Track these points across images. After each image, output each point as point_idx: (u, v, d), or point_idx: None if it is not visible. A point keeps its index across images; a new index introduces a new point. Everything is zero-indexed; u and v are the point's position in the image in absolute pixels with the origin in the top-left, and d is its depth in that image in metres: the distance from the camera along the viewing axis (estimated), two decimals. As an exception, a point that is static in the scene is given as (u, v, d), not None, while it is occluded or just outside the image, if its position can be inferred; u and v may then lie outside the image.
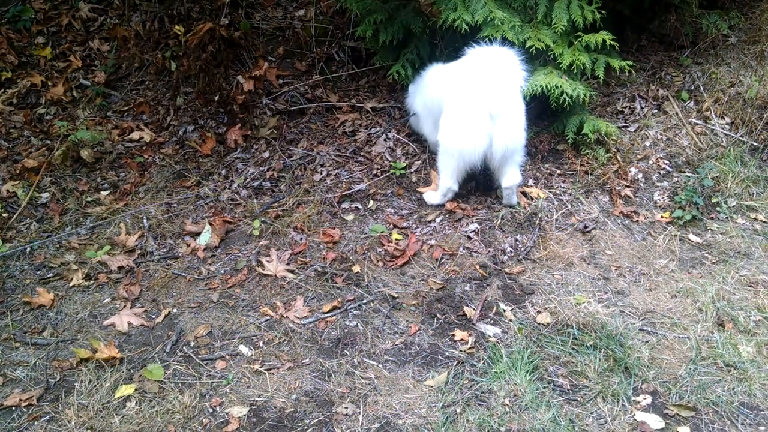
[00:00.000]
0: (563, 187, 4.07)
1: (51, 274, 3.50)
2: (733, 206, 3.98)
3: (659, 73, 4.90)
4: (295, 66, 4.92)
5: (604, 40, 3.91)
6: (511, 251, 3.64)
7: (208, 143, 4.39)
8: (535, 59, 4.08)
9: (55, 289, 3.40)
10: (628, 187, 4.14)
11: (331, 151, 4.38)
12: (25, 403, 2.75)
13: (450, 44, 4.31)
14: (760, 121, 4.46)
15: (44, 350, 3.04)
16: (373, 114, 4.69)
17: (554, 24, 3.96)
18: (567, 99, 3.90)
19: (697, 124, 4.58)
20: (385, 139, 4.47)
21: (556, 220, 3.85)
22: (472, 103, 3.54)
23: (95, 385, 2.82)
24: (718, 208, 3.94)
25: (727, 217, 3.89)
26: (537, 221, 3.83)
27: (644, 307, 3.23)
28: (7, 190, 3.98)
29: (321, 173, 4.22)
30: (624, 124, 4.60)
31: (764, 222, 3.87)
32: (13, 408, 2.73)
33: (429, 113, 4.01)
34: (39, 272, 3.53)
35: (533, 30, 4.03)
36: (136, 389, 2.80)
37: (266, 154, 4.35)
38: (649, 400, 2.72)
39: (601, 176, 4.18)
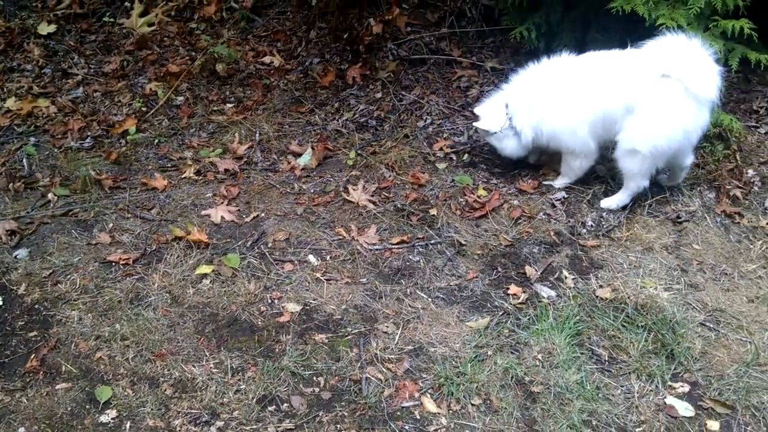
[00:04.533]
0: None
1: (169, 165, 3.98)
2: None
3: (812, 76, 4.50)
4: (426, 16, 5.05)
5: (742, 28, 3.67)
6: (591, 225, 3.61)
7: (329, 76, 4.67)
8: (666, 40, 3.91)
9: (169, 177, 3.86)
10: (739, 188, 3.90)
11: (441, 102, 4.50)
12: (123, 262, 3.21)
13: (579, 11, 4.25)
14: None
15: (149, 224, 3.50)
16: (491, 73, 4.73)
17: (690, 4, 3.76)
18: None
19: (840, 137, 4.18)
20: (496, 99, 4.51)
21: (650, 204, 3.73)
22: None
23: (181, 260, 3.23)
24: (835, 227, 3.62)
25: None
26: (630, 203, 3.74)
27: (714, 305, 3.10)
28: (150, 89, 4.52)
29: (425, 120, 4.37)
30: (755, 124, 4.30)
31: None
32: (113, 263, 3.21)
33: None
34: (161, 161, 4.02)
35: (669, 8, 3.86)
36: (213, 270, 3.17)
37: (379, 95, 4.56)
38: (686, 389, 2.67)
39: (712, 172, 3.97)
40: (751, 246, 3.51)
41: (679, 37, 3.31)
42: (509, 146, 3.78)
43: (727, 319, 3.02)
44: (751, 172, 4.01)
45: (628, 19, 3.86)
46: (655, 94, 3.35)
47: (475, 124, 3.83)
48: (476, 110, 3.83)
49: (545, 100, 3.62)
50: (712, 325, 2.97)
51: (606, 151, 3.97)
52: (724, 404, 2.60)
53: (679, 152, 3.53)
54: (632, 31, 4.05)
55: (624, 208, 3.65)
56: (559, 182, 3.85)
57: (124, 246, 3.34)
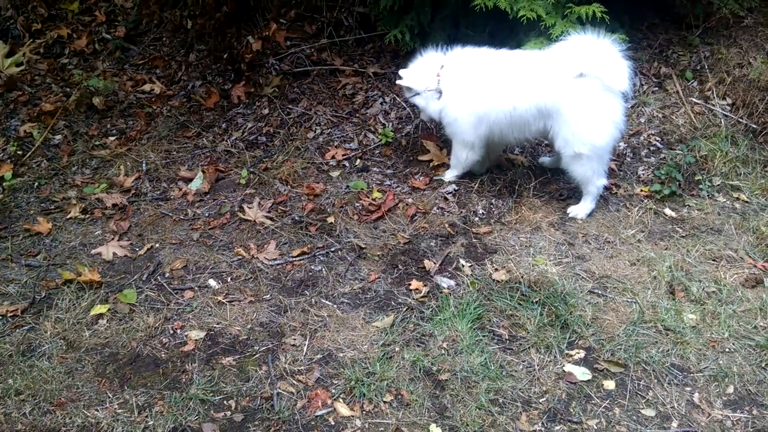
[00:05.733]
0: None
1: (53, 207, 3.82)
2: (718, 185, 3.97)
3: (666, 51, 4.87)
4: (304, 29, 5.08)
5: (594, 12, 3.92)
6: (483, 213, 3.76)
7: (213, 98, 4.62)
8: (530, 30, 4.13)
9: (54, 219, 3.71)
10: (613, 160, 4.16)
11: (328, 111, 4.55)
12: (11, 314, 3.05)
13: (448, 10, 4.41)
14: (762, 103, 4.41)
15: (36, 271, 3.35)
16: (374, 78, 4.82)
17: (548, -6, 3.99)
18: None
19: (697, 103, 4.54)
20: (381, 103, 4.61)
21: (534, 187, 3.93)
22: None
23: (74, 303, 3.11)
24: (700, 186, 3.94)
25: (708, 195, 3.90)
26: (516, 187, 3.92)
27: (601, 272, 3.30)
28: (25, 131, 4.32)
29: (315, 131, 4.41)
30: (621, 100, 4.60)
31: (746, 202, 3.86)
32: (0, 317, 3.04)
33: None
34: (43, 204, 3.85)
35: (527, 0, 4.07)
36: (109, 309, 3.07)
37: (266, 111, 4.56)
38: (582, 354, 2.83)
39: (588, 149, 4.22)
40: (629, 213, 3.77)
41: (588, 37, 3.40)
42: (432, 108, 3.74)
43: (613, 283, 3.23)
44: (622, 144, 4.30)
45: (492, 14, 4.04)
46: (576, 94, 3.43)
47: (399, 82, 3.77)
48: (402, 72, 3.77)
49: (462, 87, 3.63)
50: (600, 292, 3.17)
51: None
52: (617, 363, 2.77)
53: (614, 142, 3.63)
54: (498, 25, 4.27)
55: (591, 213, 3.72)
56: (449, 175, 3.98)
57: (11, 297, 3.18)
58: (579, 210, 3.74)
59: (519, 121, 3.57)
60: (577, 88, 3.44)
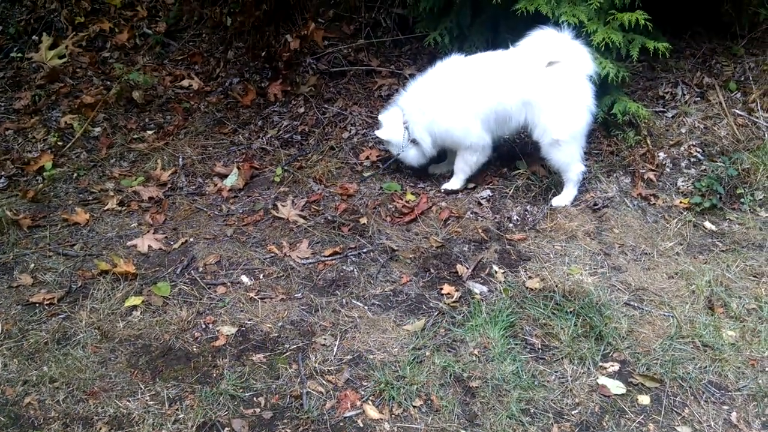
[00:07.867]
0: (585, 165, 4.06)
1: (91, 198, 3.88)
2: (760, 199, 3.87)
3: (709, 61, 4.77)
4: (342, 29, 5.09)
5: (638, 19, 3.86)
6: (517, 219, 3.71)
7: (250, 95, 4.65)
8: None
9: (91, 210, 3.77)
10: (652, 170, 4.09)
11: (364, 112, 4.55)
12: (48, 302, 3.10)
13: (488, 14, 4.37)
14: (808, 117, 4.29)
15: (73, 261, 3.40)
16: (410, 80, 4.79)
17: (590, 0, 3.93)
18: (593, 77, 3.88)
19: (740, 115, 4.44)
20: (417, 105, 4.58)
21: (570, 195, 3.87)
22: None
23: (109, 294, 3.15)
24: (741, 200, 3.85)
25: (749, 209, 3.80)
26: (551, 195, 3.87)
27: (637, 284, 3.24)
28: (65, 122, 4.40)
29: (350, 131, 4.41)
30: (662, 109, 4.52)
31: (789, 217, 3.75)
32: (37, 304, 3.10)
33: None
34: (81, 195, 3.92)
35: (569, 5, 4.02)
36: (143, 301, 3.10)
37: (302, 110, 4.57)
38: (616, 367, 2.77)
39: (626, 158, 4.16)
40: (667, 225, 3.69)
41: (549, 30, 3.60)
42: (410, 155, 3.91)
43: (649, 296, 3.16)
44: (662, 155, 4.21)
45: (533, 18, 3.98)
46: (549, 84, 3.61)
47: (376, 133, 3.91)
48: (381, 117, 3.94)
49: (436, 101, 3.76)
50: (636, 304, 3.11)
51: (526, 146, 4.12)
52: (653, 378, 2.71)
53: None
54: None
55: (574, 199, 3.83)
56: (453, 183, 3.94)
57: (48, 285, 3.23)
58: (562, 199, 3.82)
59: (504, 115, 3.70)
60: (549, 78, 3.61)
